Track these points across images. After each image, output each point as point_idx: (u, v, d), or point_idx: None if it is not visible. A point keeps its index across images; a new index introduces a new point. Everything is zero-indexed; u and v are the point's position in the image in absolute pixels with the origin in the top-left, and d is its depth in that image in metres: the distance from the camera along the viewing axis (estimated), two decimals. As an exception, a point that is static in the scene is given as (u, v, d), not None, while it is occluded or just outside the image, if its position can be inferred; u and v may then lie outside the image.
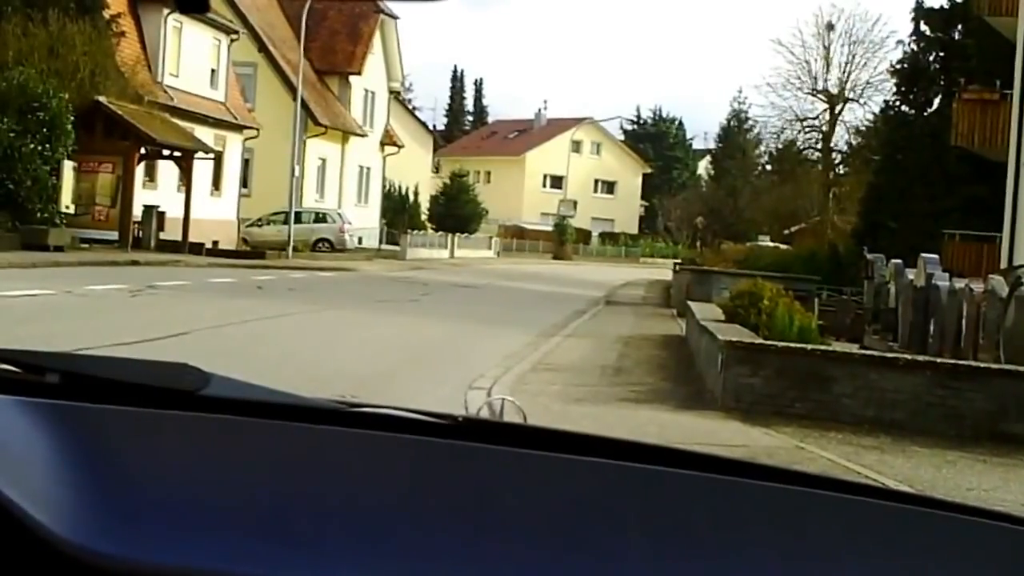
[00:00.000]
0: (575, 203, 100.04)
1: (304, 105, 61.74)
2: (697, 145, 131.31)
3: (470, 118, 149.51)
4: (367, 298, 31.43)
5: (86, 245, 39.12)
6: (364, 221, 69.56)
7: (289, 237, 49.62)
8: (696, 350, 20.86)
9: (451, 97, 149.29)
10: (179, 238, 44.10)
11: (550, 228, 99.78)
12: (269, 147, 58.46)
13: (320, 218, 60.62)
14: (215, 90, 54.16)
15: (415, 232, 72.10)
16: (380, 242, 71.86)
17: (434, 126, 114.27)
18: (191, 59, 51.25)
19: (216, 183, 54.80)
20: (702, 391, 16.86)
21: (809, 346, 16.97)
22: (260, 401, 2.01)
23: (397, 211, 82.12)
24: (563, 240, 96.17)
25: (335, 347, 18.17)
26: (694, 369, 19.66)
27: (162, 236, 43.70)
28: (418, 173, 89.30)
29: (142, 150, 42.52)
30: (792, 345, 16.51)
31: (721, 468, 1.84)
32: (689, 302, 26.30)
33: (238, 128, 56.92)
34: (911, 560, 1.65)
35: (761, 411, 14.69)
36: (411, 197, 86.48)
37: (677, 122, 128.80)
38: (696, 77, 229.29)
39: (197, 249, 43.72)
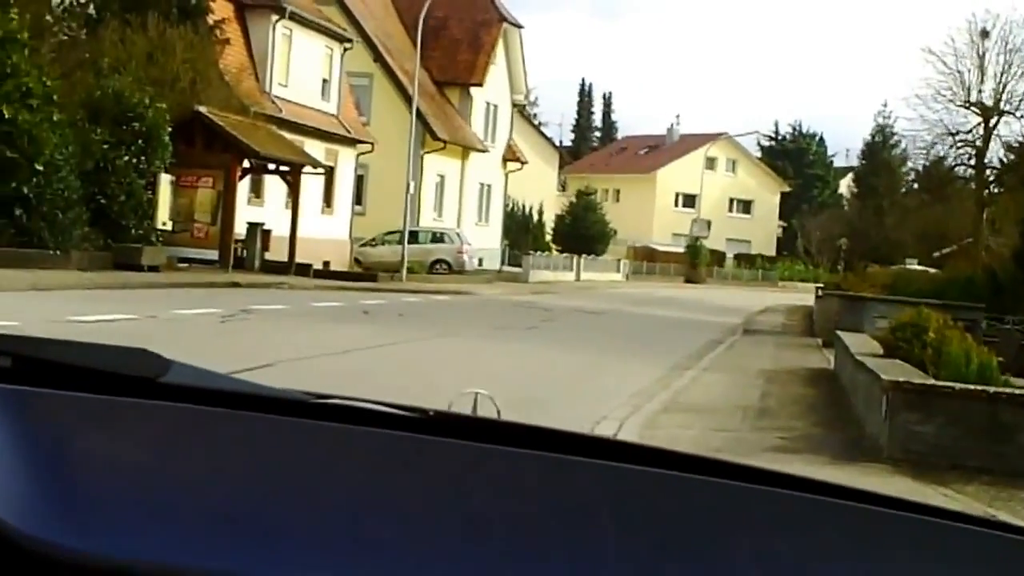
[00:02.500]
0: (709, 223, 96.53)
1: (421, 118, 59.31)
2: (838, 162, 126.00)
3: (598, 134, 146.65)
4: (482, 325, 28.50)
5: (184, 265, 36.36)
6: (484, 241, 66.53)
7: (403, 258, 46.53)
8: (850, 388, 18.32)
9: (578, 112, 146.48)
10: (286, 258, 41.19)
11: (682, 249, 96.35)
12: (385, 163, 55.78)
13: (437, 238, 57.61)
14: (327, 102, 51.42)
15: (538, 253, 69.09)
16: (501, 264, 68.87)
17: (560, 142, 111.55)
18: (301, 68, 48.54)
19: (327, 200, 52.04)
20: (861, 438, 14.64)
21: (993, 389, 14.22)
22: (222, 390, 1.94)
23: (520, 231, 79.28)
24: (696, 262, 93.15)
25: (437, 382, 15.03)
26: (849, 411, 17.19)
27: (267, 256, 40.88)
28: (543, 191, 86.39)
29: (245, 164, 39.76)
30: (975, 388, 14.02)
31: (702, 469, 1.78)
32: (839, 332, 23.07)
33: (351, 142, 54.10)
34: (914, 568, 1.63)
35: (934, 465, 12.66)
36: (535, 216, 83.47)
37: (817, 138, 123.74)
38: (838, 90, 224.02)
39: (304, 270, 40.82)
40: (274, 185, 44.82)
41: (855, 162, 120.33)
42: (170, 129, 35.58)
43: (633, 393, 17.14)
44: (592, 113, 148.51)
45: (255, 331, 22.11)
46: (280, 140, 42.25)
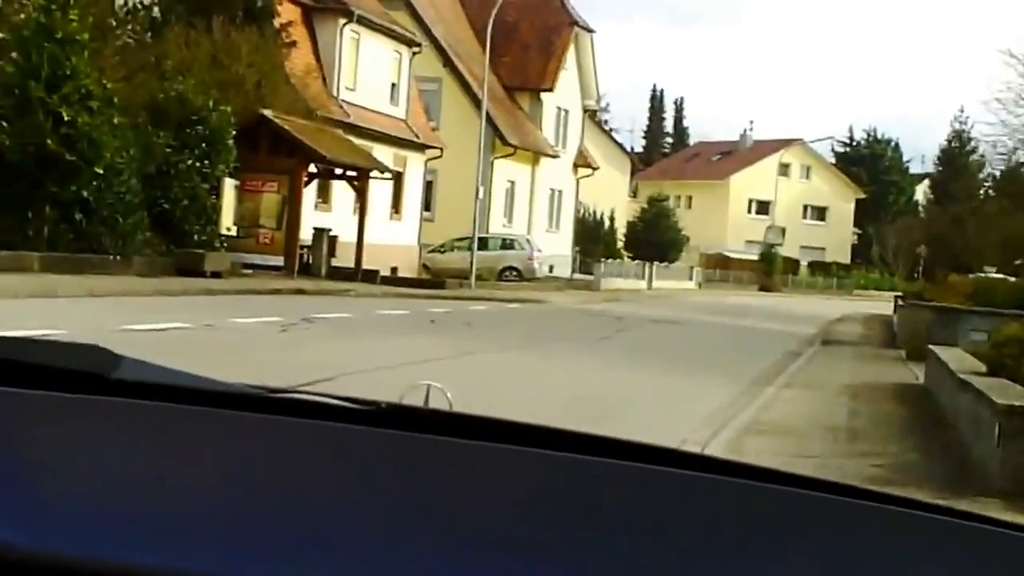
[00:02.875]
0: (784, 230, 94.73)
1: (491, 123, 58.50)
2: (914, 168, 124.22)
3: (669, 140, 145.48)
4: (551, 335, 27.60)
5: (248, 271, 35.64)
6: (555, 248, 65.56)
7: (472, 264, 45.65)
8: (950, 409, 16.90)
9: (649, 118, 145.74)
10: (352, 265, 40.46)
11: (755, 257, 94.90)
12: (454, 168, 55.06)
13: (507, 244, 56.73)
14: (395, 106, 50.74)
15: (610, 261, 68.01)
16: (572, 271, 67.90)
17: (631, 148, 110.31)
18: (369, 72, 47.88)
19: (396, 206, 51.37)
20: (965, 465, 13.27)
21: None
22: (174, 385, 1.94)
23: (591, 238, 78.41)
24: (770, 270, 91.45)
25: (500, 398, 14.02)
26: (948, 433, 15.71)
27: (335, 263, 40.09)
28: (614, 198, 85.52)
29: (311, 168, 39.01)
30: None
31: (649, 457, 1.79)
32: (933, 347, 21.67)
33: (420, 147, 53.41)
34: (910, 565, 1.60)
35: (1055, 500, 11.13)
36: (606, 223, 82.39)
37: (893, 144, 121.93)
38: (912, 95, 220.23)
39: (371, 277, 39.97)
40: (342, 190, 44.08)
41: (931, 168, 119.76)
42: (234, 133, 34.93)
43: (712, 412, 16.09)
44: (663, 119, 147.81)
45: (315, 341, 21.22)
46: (347, 145, 41.52)
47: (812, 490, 1.74)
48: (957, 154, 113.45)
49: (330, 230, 40.24)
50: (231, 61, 37.12)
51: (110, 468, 1.62)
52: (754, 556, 1.55)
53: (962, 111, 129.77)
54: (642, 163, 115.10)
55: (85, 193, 28.55)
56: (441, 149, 53.97)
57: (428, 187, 57.69)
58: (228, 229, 35.22)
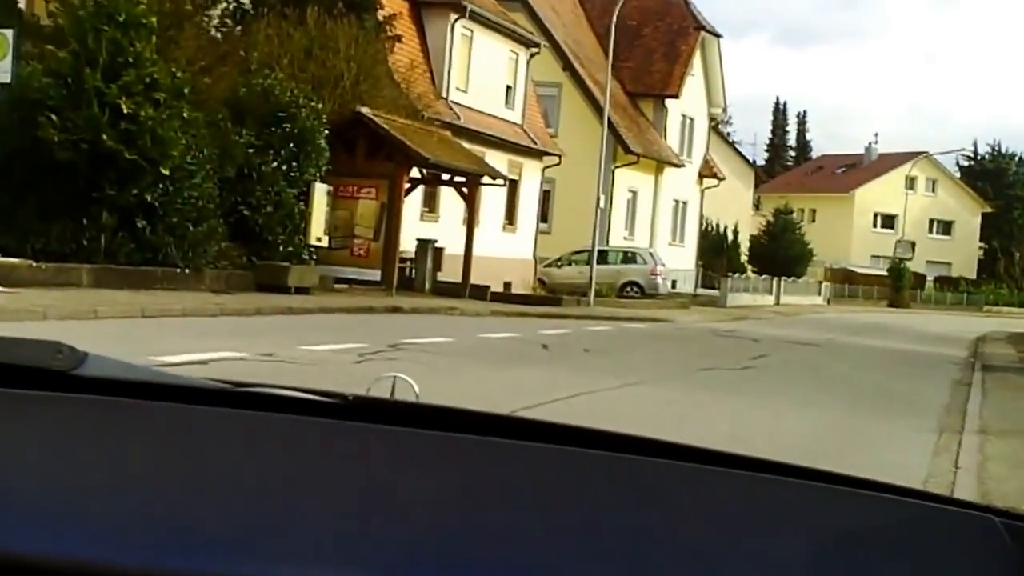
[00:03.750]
0: (913, 244, 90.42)
1: (613, 130, 55.15)
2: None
3: (792, 153, 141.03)
4: (685, 364, 23.67)
5: (341, 286, 32.04)
6: (679, 262, 61.74)
7: (591, 280, 41.81)
8: None
9: (772, 131, 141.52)
10: (460, 279, 36.85)
11: (881, 272, 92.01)
12: (573, 178, 51.65)
13: (629, 258, 52.66)
14: (511, 110, 47.05)
15: (735, 276, 63.76)
16: (696, 286, 63.82)
17: (753, 161, 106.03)
18: (483, 73, 44.19)
19: (510, 216, 47.72)
20: None
21: None
22: (139, 381, 1.94)
23: (715, 251, 74.96)
24: (899, 286, 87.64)
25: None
26: None
27: (441, 277, 36.53)
28: (738, 211, 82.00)
29: (414, 173, 35.30)
30: None
31: (623, 447, 1.81)
32: None
33: (537, 154, 49.61)
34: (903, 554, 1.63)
35: None
36: (730, 236, 78.38)
37: (1018, 158, 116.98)
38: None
39: (480, 293, 36.32)
40: (450, 199, 40.41)
41: None
42: (327, 132, 31.20)
43: (914, 477, 12.10)
44: (787, 132, 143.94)
45: (393, 375, 17.26)
46: (455, 148, 37.81)
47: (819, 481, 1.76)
48: None
49: (435, 241, 36.67)
50: (326, 55, 33.45)
51: (73, 466, 1.60)
52: (751, 546, 1.57)
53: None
54: (765, 176, 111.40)
55: (149, 197, 24.90)
56: (559, 156, 50.17)
57: (545, 197, 54.14)
58: (318, 239, 31.40)
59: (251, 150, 29.13)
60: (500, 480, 1.68)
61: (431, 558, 1.48)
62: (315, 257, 31.17)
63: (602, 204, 43.63)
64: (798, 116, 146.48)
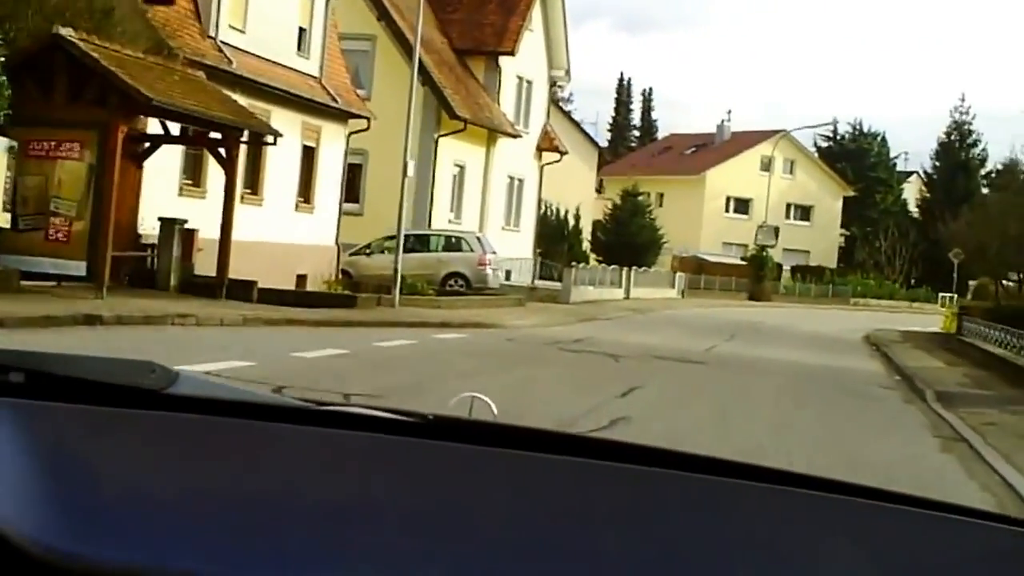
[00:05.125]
0: (777, 229, 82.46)
1: (436, 91, 46.34)
2: (900, 165, 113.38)
3: (636, 133, 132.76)
4: (515, 414, 14.23)
5: (41, 283, 22.58)
6: (514, 249, 52.70)
7: (396, 272, 32.38)
8: None
9: (615, 109, 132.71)
10: (218, 273, 27.46)
11: (734, 260, 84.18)
12: (391, 150, 42.07)
13: (452, 245, 43.43)
14: (304, 59, 37.21)
15: (580, 266, 54.70)
16: (534, 278, 54.65)
17: (600, 150, 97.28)
18: (267, 9, 34.38)
19: (305, 192, 38.09)
20: None
21: None
22: (227, 400, 2.02)
23: (554, 238, 66.06)
24: (761, 275, 79.67)
25: None
26: None
27: (205, 271, 27.05)
28: (580, 194, 72.95)
29: (155, 127, 25.71)
30: None
31: (704, 468, 1.82)
32: None
33: (340, 117, 39.96)
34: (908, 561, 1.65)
35: None
36: (571, 222, 69.58)
37: (880, 138, 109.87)
38: (891, 88, 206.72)
39: (244, 291, 26.99)
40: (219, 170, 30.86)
41: (915, 166, 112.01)
42: (4, 62, 21.59)
43: None
44: (631, 110, 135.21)
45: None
46: (211, 95, 27.79)
47: (836, 493, 1.78)
48: (956, 148, 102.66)
49: (185, 222, 27.23)
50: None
51: (165, 481, 1.65)
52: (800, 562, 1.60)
53: (963, 100, 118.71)
54: (609, 157, 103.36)
55: None
56: (368, 119, 40.57)
57: (356, 172, 45.34)
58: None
59: None
60: (578, 500, 1.69)
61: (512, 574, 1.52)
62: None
63: (410, 172, 34.10)
64: (643, 93, 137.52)
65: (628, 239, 70.93)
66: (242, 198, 32.41)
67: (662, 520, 1.66)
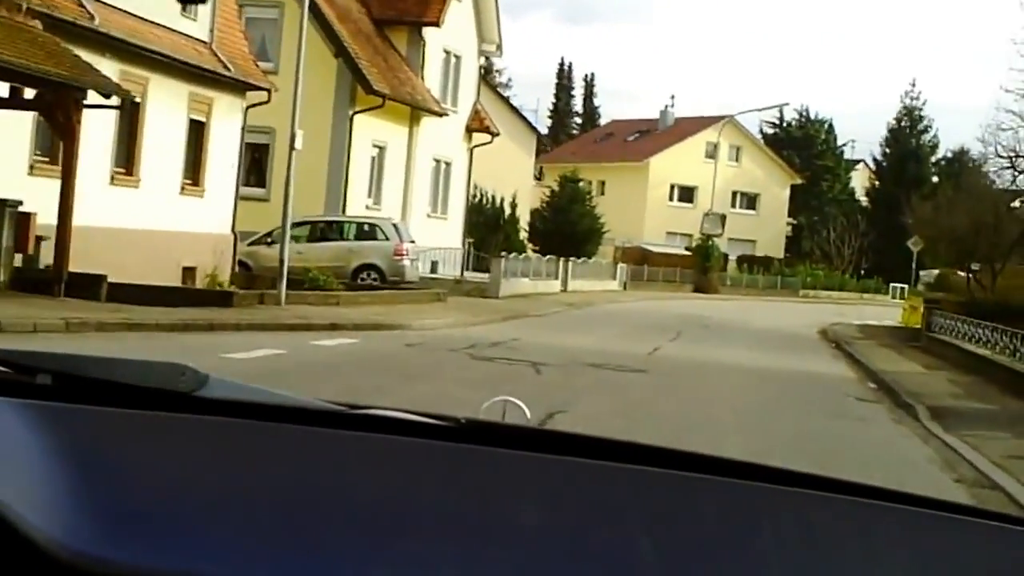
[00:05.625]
0: (723, 218, 78.39)
1: (350, 62, 42.00)
2: (847, 153, 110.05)
3: (578, 120, 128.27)
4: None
5: None
6: (441, 239, 48.17)
7: (282, 264, 27.65)
8: None
9: (556, 95, 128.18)
10: (67, 264, 22.72)
11: (679, 251, 79.79)
12: (303, 128, 38.25)
13: (365, 233, 38.67)
14: (191, 21, 32.20)
15: (512, 256, 50.07)
16: (464, 268, 49.98)
17: (539, 135, 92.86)
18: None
19: (193, 174, 33.30)
20: None
21: None
22: (258, 403, 2.01)
23: (489, 228, 61.46)
24: (707, 266, 75.83)
25: None
26: None
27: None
28: (516, 181, 68.70)
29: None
30: None
31: (734, 472, 1.82)
32: None
33: (236, 88, 35.24)
34: (915, 562, 1.66)
35: None
36: (508, 210, 65.51)
37: (827, 125, 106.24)
38: (845, 74, 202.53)
39: (92, 286, 22.33)
40: (97, 143, 26.10)
41: (864, 155, 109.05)
42: None
43: None
44: (572, 96, 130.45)
45: None
46: (40, 46, 22.75)
47: (836, 493, 1.78)
48: (907, 134, 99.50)
49: (18, 204, 22.54)
50: None
51: (196, 484, 1.63)
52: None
53: (913, 86, 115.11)
54: (550, 144, 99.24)
55: None
56: (269, 91, 35.81)
57: (262, 153, 41.20)
58: None
59: None
60: (611, 504, 1.69)
61: None
62: None
63: (299, 143, 29.39)
64: (585, 79, 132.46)
65: (567, 228, 66.31)
66: (113, 178, 28.33)
67: (692, 523, 1.65)
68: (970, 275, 41.43)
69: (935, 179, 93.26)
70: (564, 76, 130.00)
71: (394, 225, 38.79)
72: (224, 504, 1.60)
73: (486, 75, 68.91)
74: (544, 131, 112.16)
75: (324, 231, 37.53)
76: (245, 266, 35.50)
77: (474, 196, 61.19)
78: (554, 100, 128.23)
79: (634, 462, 1.79)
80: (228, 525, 1.56)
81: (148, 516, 1.55)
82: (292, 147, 28.11)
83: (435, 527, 1.59)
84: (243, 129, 36.30)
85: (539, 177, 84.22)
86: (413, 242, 38.79)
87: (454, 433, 1.91)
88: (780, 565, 1.58)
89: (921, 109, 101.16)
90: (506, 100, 77.55)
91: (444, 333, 25.31)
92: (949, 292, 43.67)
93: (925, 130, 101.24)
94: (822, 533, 1.67)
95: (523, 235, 67.64)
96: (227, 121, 34.83)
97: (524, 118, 76.78)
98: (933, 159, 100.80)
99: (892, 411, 19.15)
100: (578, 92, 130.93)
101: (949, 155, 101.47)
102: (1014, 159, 40.63)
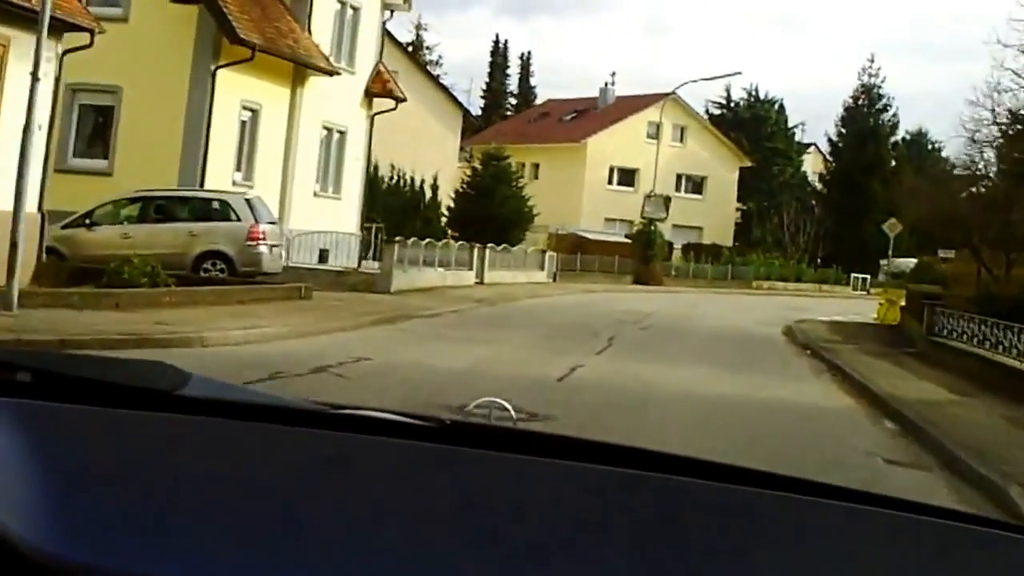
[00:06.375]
0: (668, 200, 71.50)
1: (213, 7, 34.45)
2: (798, 136, 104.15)
3: (514, 101, 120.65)
4: None
5: None
6: (332, 222, 40.32)
7: (11, 265, 19.57)
8: None
9: (489, 74, 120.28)
10: None
11: (619, 238, 73.05)
12: (156, 89, 33.49)
13: (212, 212, 30.32)
14: None
15: (413, 242, 41.63)
16: (361, 258, 42.02)
17: (467, 111, 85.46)
18: None
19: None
20: None
21: None
22: (240, 402, 1.99)
23: (407, 212, 55.39)
24: (649, 255, 68.65)
25: None
26: None
27: None
28: (440, 162, 62.87)
29: None
30: None
31: (719, 475, 1.81)
32: None
33: (51, 28, 27.12)
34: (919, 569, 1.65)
35: None
36: (428, 193, 59.64)
37: (777, 105, 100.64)
38: (793, 55, 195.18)
39: None
40: None
41: (815, 137, 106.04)
42: None
43: None
44: (507, 75, 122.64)
45: None
46: None
47: (839, 500, 1.77)
48: (865, 113, 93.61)
49: None
50: None
51: (176, 485, 1.62)
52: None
53: (872, 61, 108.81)
54: (482, 125, 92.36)
55: None
56: (92, 32, 27.83)
57: (106, 117, 34.16)
58: None
59: None
60: (595, 506, 1.68)
61: None
62: None
63: (41, 74, 21.37)
64: (521, 58, 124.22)
65: (491, 211, 59.06)
66: None
67: (676, 526, 1.64)
68: (982, 264, 33.82)
69: (893, 163, 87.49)
70: (499, 54, 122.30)
71: (247, 201, 30.08)
72: (206, 504, 1.57)
73: (414, 51, 61.94)
74: (478, 112, 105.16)
75: (161, 209, 29.59)
76: (56, 253, 27.56)
77: (391, 177, 55.50)
78: (487, 79, 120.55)
79: (619, 465, 1.76)
80: (208, 527, 1.52)
81: (126, 518, 1.51)
82: (35, 77, 20.09)
83: (418, 527, 1.56)
84: (59, 80, 28.16)
85: (469, 160, 77.22)
86: (273, 223, 30.73)
87: (438, 434, 1.89)
88: (766, 568, 1.55)
89: (880, 87, 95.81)
90: (432, 76, 70.88)
91: (250, 351, 17.35)
92: (933, 284, 36.79)
93: (884, 108, 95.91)
94: (810, 537, 1.64)
95: (444, 221, 60.99)
96: (26, 69, 26.68)
97: (452, 95, 70.23)
98: (892, 139, 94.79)
99: (955, 489, 11.48)
100: (513, 72, 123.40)
101: (907, 137, 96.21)
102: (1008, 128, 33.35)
